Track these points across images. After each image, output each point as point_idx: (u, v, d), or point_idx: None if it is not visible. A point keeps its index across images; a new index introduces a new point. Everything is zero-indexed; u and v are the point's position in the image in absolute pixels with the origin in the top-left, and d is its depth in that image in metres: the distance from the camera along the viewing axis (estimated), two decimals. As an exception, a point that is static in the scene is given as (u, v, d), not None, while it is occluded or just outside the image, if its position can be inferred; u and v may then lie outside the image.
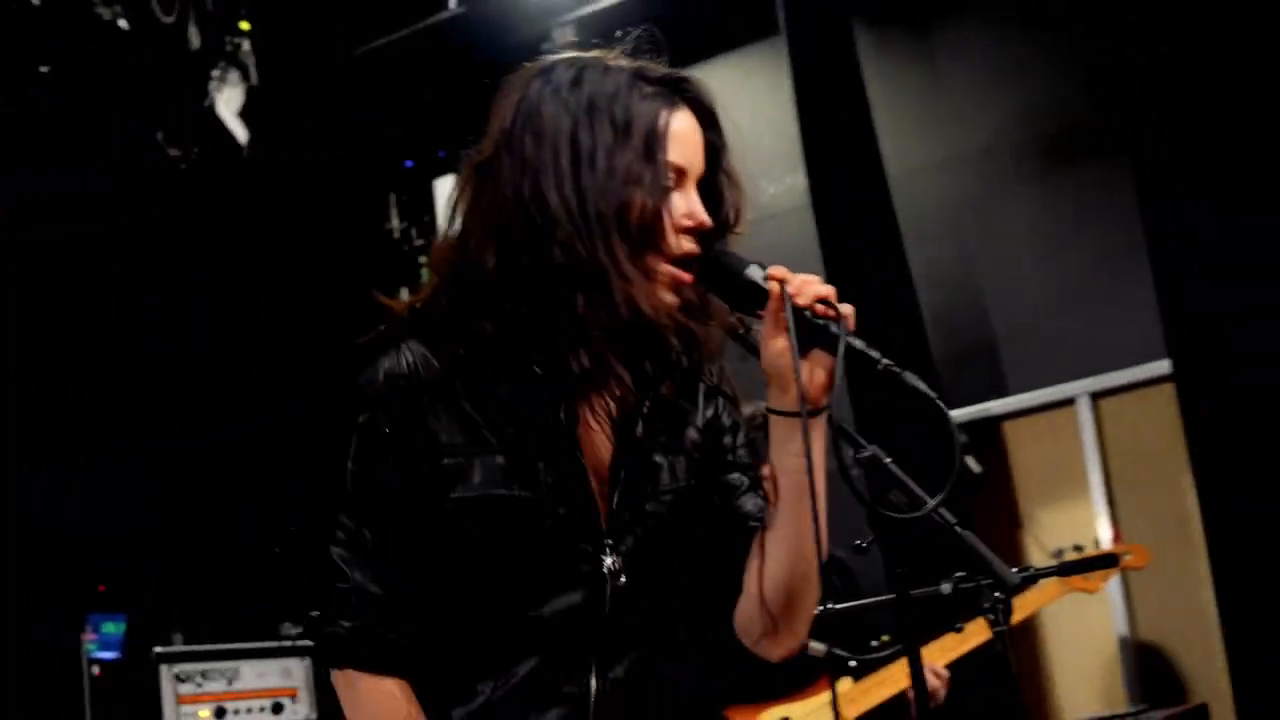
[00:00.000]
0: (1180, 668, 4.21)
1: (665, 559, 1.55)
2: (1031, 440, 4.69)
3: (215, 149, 4.77)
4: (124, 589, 4.79)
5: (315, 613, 1.56)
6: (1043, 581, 3.42)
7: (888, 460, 1.36)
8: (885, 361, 1.36)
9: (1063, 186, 4.66)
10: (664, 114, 1.45)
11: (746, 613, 1.53)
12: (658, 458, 1.54)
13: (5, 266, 4.60)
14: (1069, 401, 4.53)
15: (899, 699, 3.57)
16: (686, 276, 1.43)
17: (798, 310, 1.37)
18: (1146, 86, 4.00)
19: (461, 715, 1.50)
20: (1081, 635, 4.43)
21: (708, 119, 1.51)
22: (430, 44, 5.33)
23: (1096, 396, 4.48)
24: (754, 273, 1.41)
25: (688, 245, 1.43)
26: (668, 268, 1.42)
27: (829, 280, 1.41)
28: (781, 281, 1.38)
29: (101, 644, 4.40)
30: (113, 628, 4.48)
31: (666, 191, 1.43)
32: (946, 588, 2.28)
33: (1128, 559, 3.55)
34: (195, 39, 4.65)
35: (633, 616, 1.51)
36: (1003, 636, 1.53)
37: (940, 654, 3.49)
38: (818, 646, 3.29)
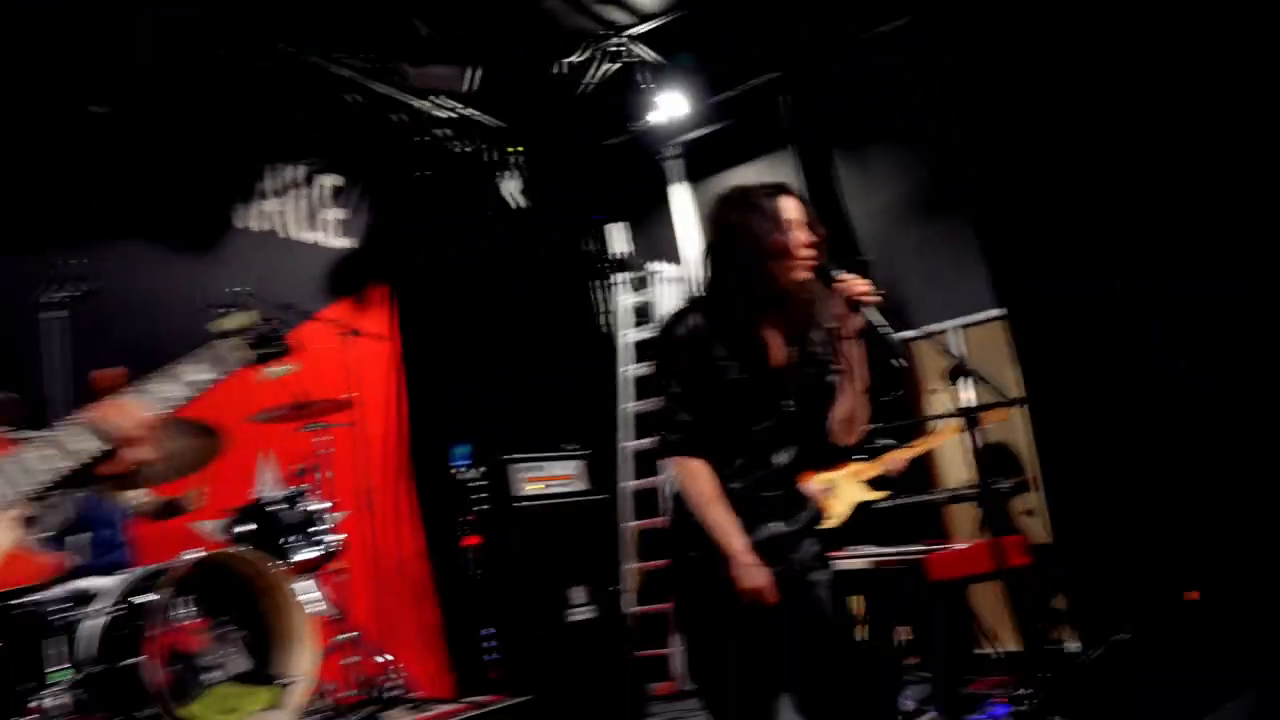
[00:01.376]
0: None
1: (806, 401, 2.85)
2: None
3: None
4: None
5: (661, 433, 2.84)
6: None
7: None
8: (875, 321, 2.73)
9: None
10: (782, 200, 2.78)
11: (834, 422, 2.86)
12: (803, 357, 2.82)
13: None
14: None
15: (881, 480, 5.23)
16: (809, 269, 2.75)
17: (857, 299, 2.73)
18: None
19: (728, 474, 2.77)
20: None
21: (800, 199, 2.80)
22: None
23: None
24: (834, 272, 2.76)
25: (808, 253, 2.74)
26: (806, 262, 2.73)
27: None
28: (845, 280, 2.73)
29: (456, 458, 6.43)
30: (462, 450, 6.46)
31: (789, 232, 2.72)
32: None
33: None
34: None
35: (796, 428, 2.84)
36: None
37: (909, 452, 5.31)
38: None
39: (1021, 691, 4.83)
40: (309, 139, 6.66)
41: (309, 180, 6.83)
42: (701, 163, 8.33)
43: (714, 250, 2.86)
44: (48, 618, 3.76)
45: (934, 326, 6.83)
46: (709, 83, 7.45)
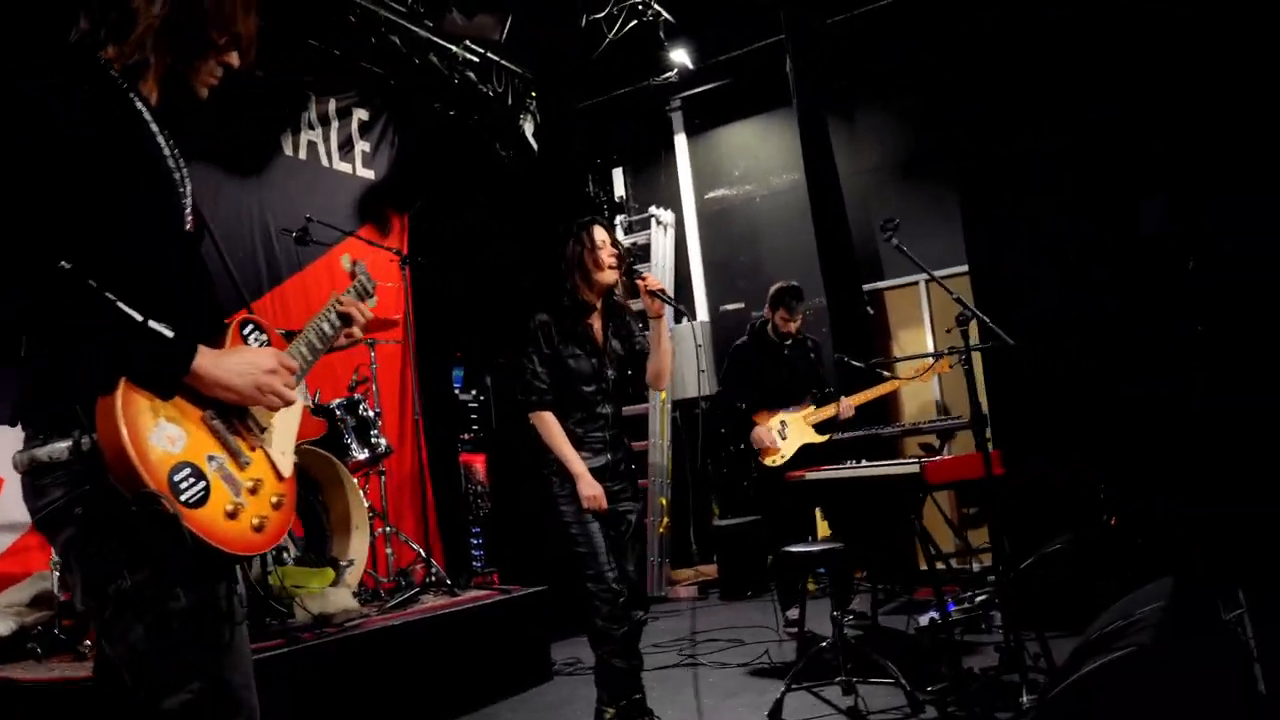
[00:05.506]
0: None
1: (620, 369, 3.95)
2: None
3: None
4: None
5: (519, 395, 3.77)
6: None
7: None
8: (667, 296, 3.78)
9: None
10: (594, 228, 3.87)
11: (649, 376, 3.98)
12: (614, 339, 3.91)
13: None
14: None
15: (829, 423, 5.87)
16: (616, 275, 3.82)
17: (655, 291, 3.75)
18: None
19: (571, 426, 3.81)
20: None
21: (607, 226, 3.86)
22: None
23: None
24: (642, 272, 3.80)
25: (614, 263, 3.81)
26: (611, 271, 3.80)
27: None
28: (644, 278, 3.76)
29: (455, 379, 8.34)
30: (458, 372, 8.33)
31: (598, 251, 3.78)
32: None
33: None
34: None
35: (612, 391, 3.93)
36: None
37: (859, 399, 5.96)
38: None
39: (967, 594, 5.65)
40: (349, 74, 7.04)
41: (344, 114, 7.24)
42: (703, 116, 9.01)
43: (557, 266, 3.86)
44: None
45: (905, 279, 7.85)
46: (716, 43, 8.01)
